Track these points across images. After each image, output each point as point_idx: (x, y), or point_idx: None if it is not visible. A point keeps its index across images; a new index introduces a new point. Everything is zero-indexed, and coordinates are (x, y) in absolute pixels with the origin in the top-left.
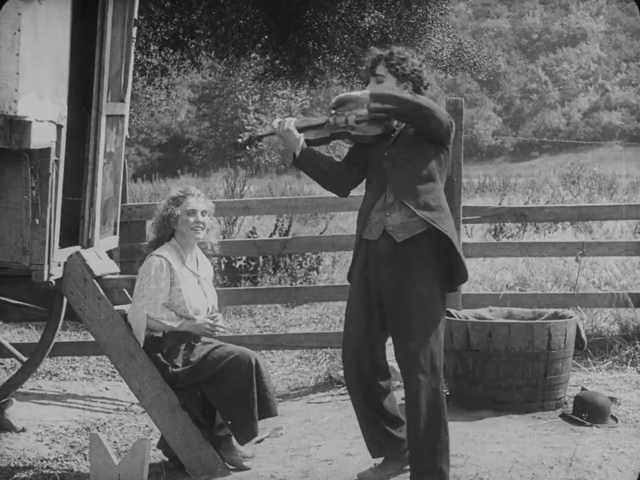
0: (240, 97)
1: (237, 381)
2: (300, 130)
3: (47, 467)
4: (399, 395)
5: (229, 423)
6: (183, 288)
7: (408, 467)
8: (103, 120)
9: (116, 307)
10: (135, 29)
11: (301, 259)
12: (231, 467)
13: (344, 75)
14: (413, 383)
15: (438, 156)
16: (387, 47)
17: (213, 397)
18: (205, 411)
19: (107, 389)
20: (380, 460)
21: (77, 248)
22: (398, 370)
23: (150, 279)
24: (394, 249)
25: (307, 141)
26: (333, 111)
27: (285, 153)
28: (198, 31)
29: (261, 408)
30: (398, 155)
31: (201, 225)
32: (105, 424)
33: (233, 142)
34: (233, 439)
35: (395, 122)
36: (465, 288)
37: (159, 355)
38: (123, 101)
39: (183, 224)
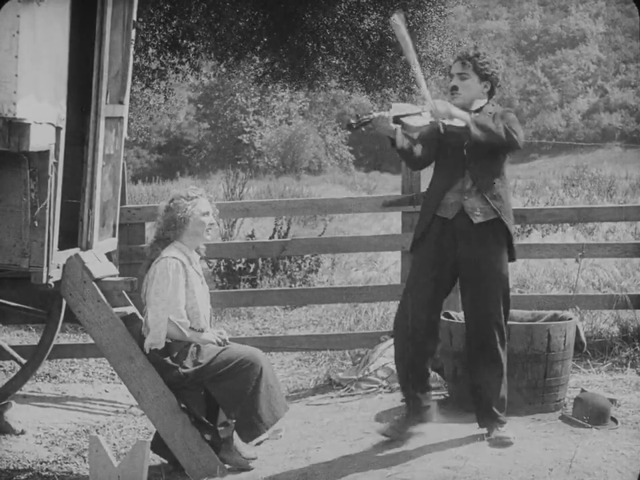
0: (239, 98)
1: (243, 379)
2: (397, 118)
3: (46, 470)
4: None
5: (234, 421)
6: (195, 289)
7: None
8: (102, 122)
9: (115, 309)
10: (133, 31)
11: (300, 261)
12: (231, 469)
13: (343, 77)
14: (488, 336)
15: (506, 156)
16: (474, 47)
17: (218, 394)
18: (208, 410)
19: (106, 391)
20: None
21: (76, 250)
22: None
23: (169, 281)
24: (471, 227)
25: (403, 125)
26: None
27: (284, 155)
28: (197, 34)
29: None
30: (477, 147)
31: (214, 226)
32: (104, 426)
33: (347, 123)
34: (234, 440)
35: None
36: None
37: (168, 358)
38: (121, 103)
39: (198, 225)
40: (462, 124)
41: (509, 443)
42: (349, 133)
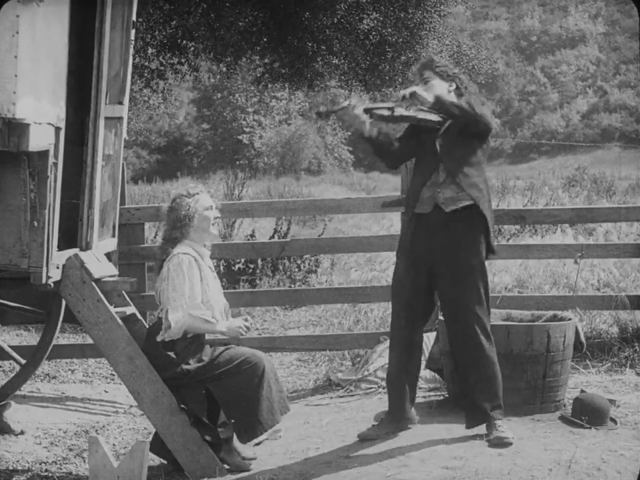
0: (239, 98)
1: (244, 379)
2: (369, 109)
3: (46, 470)
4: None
5: (233, 421)
6: (210, 283)
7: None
8: (101, 122)
9: (115, 310)
10: (133, 31)
11: (299, 262)
12: (230, 469)
13: (342, 77)
14: (466, 330)
15: (481, 146)
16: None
17: (219, 393)
18: (208, 410)
19: (105, 391)
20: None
21: (76, 250)
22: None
23: (184, 277)
24: (444, 219)
25: (373, 115)
26: (400, 102)
27: (284, 156)
28: (196, 34)
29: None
30: (449, 141)
31: (219, 220)
32: (103, 426)
33: (315, 112)
34: (234, 441)
35: None
36: None
37: (171, 353)
38: (121, 103)
39: (204, 220)
40: (436, 118)
41: (508, 443)
42: (348, 133)
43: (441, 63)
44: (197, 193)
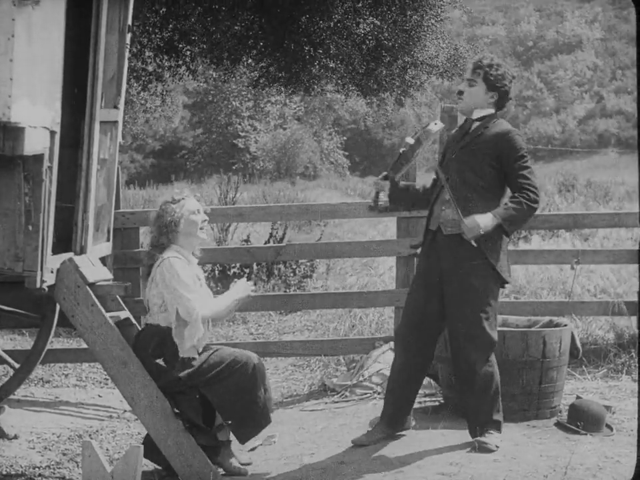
0: (234, 103)
1: (237, 380)
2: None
3: (39, 475)
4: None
5: (229, 422)
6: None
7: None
8: (97, 126)
9: (109, 314)
10: (129, 35)
11: (294, 266)
12: (225, 474)
13: (339, 81)
14: (466, 355)
15: (499, 174)
16: (491, 58)
17: (213, 397)
18: (204, 414)
19: (99, 396)
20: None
21: (70, 254)
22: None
23: (179, 277)
24: (448, 240)
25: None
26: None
27: (279, 160)
28: (193, 37)
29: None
30: (463, 159)
31: (207, 223)
32: (97, 431)
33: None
34: (231, 444)
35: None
36: None
37: (160, 361)
38: (116, 107)
39: (191, 225)
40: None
41: (488, 449)
42: (344, 137)
43: (497, 72)
44: (182, 199)
